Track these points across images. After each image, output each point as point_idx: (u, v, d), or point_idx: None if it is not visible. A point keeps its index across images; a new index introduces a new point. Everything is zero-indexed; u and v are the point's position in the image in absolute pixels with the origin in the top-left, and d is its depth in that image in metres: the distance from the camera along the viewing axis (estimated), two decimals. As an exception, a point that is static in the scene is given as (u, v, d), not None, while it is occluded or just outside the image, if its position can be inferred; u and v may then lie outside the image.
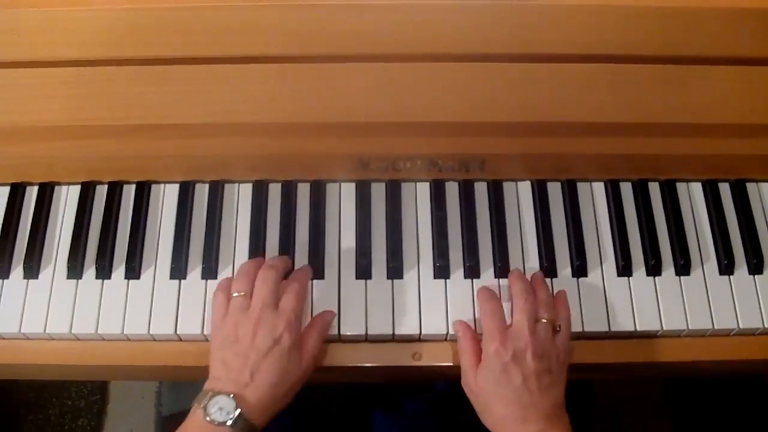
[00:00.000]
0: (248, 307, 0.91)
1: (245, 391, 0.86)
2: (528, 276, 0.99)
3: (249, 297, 0.92)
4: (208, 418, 0.84)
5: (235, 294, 0.93)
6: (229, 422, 0.83)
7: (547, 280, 1.00)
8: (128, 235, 1.02)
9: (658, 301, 0.99)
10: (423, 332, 0.97)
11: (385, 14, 0.95)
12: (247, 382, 0.86)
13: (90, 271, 1.00)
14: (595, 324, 0.98)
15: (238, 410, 0.84)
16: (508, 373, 0.87)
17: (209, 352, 0.92)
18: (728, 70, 0.97)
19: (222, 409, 0.84)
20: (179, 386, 1.61)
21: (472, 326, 0.96)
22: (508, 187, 1.06)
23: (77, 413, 1.82)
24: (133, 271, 1.00)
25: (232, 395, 0.85)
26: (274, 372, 0.88)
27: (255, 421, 0.86)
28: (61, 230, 1.03)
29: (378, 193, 1.06)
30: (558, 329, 0.93)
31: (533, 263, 1.02)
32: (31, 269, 1.00)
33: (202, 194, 1.05)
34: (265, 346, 0.88)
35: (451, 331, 0.97)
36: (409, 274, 1.00)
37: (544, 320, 0.92)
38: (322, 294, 0.99)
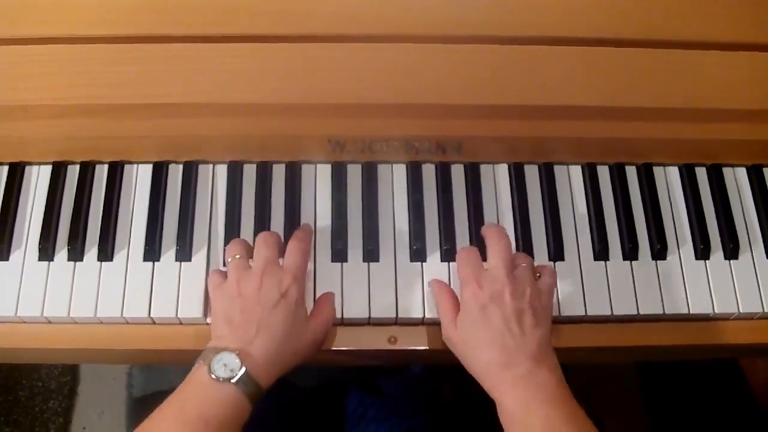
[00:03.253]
0: (248, 267, 0.91)
1: (250, 348, 0.85)
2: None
3: (246, 259, 0.92)
4: (213, 375, 0.82)
5: (230, 259, 0.92)
6: (234, 379, 0.82)
7: (524, 263, 1.00)
8: (101, 217, 1.01)
9: (634, 285, 0.99)
10: (399, 315, 0.97)
11: (363, -6, 0.94)
12: (252, 338, 0.86)
13: (62, 253, 0.99)
14: (571, 308, 0.98)
15: (243, 368, 0.83)
16: (488, 315, 0.86)
17: (208, 333, 0.91)
18: (708, 54, 0.98)
19: (226, 365, 0.83)
20: (151, 368, 1.60)
21: None
22: (485, 170, 1.06)
23: (48, 395, 1.81)
24: (105, 253, 0.98)
25: (237, 352, 0.84)
26: (279, 328, 0.87)
27: (260, 380, 0.85)
28: (31, 211, 1.01)
29: (354, 174, 1.05)
30: (538, 275, 0.92)
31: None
32: (1, 251, 0.98)
33: (176, 175, 1.04)
34: (272, 300, 0.87)
35: (428, 315, 0.96)
36: (386, 257, 1.00)
37: (524, 265, 0.91)
38: (297, 277, 0.98)
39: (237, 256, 0.92)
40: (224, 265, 0.98)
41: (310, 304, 0.96)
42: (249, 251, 0.94)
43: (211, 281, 0.94)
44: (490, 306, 0.87)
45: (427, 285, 0.98)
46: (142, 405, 1.68)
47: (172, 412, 0.83)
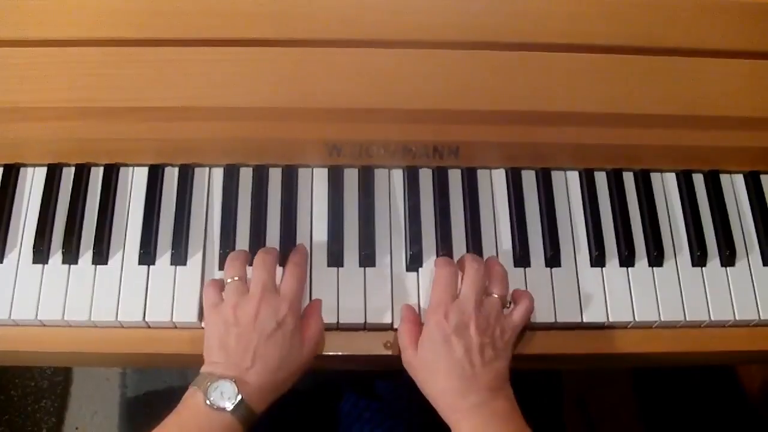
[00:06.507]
0: (245, 291, 0.90)
1: (246, 376, 0.86)
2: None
3: (244, 281, 0.92)
4: (208, 402, 0.83)
5: (229, 280, 0.92)
6: (230, 407, 0.83)
7: (520, 269, 1.00)
8: (96, 219, 1.00)
9: (630, 292, 0.99)
10: (395, 321, 0.96)
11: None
12: (248, 367, 0.86)
13: (56, 256, 0.98)
14: (567, 314, 0.97)
15: (240, 396, 0.84)
16: (450, 345, 0.87)
17: (203, 337, 0.91)
18: (706, 62, 0.98)
19: (223, 394, 0.84)
20: (144, 369, 1.59)
21: None
22: (482, 175, 1.05)
23: (40, 394, 1.80)
24: (100, 257, 0.98)
25: (233, 380, 0.84)
26: (276, 356, 0.87)
27: (255, 407, 0.85)
28: (26, 213, 1.01)
29: (351, 179, 1.04)
30: (508, 306, 0.93)
31: (506, 252, 1.01)
32: (-4, 254, 0.98)
33: (171, 178, 1.04)
34: (269, 328, 0.87)
35: (423, 320, 0.96)
36: (382, 262, 1.00)
37: (495, 295, 0.92)
38: (293, 281, 0.98)
39: (235, 278, 0.92)
40: (220, 267, 0.98)
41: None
42: (247, 263, 0.94)
43: (207, 298, 0.93)
44: (454, 337, 0.87)
45: (424, 291, 0.98)
46: (135, 405, 1.68)
47: None
